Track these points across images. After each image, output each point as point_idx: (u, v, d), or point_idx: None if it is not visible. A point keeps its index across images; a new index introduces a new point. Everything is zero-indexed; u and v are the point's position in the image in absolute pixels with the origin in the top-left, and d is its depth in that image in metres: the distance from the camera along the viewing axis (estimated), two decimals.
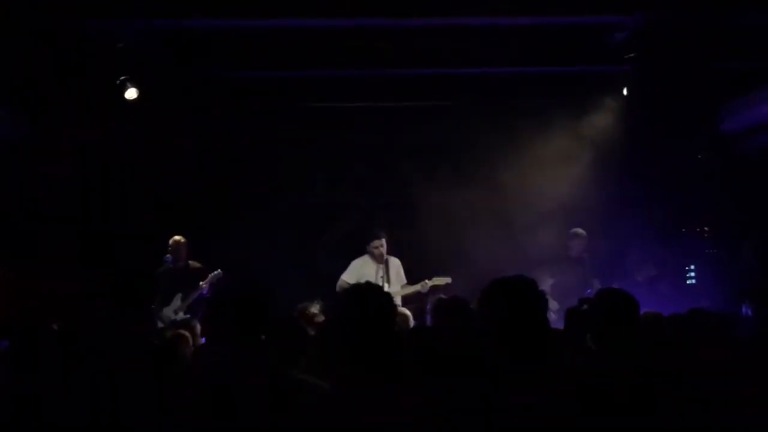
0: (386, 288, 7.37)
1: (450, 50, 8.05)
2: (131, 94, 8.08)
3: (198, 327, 5.54)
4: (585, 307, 3.81)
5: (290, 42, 7.93)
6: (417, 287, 7.66)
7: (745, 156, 8.61)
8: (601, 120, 8.66)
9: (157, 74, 8.36)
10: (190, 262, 7.82)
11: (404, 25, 7.47)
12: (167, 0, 6.79)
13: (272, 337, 3.75)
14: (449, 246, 8.73)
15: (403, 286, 7.69)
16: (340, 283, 7.70)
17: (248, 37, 7.87)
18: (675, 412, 2.80)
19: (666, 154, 8.55)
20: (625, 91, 8.34)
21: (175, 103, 8.77)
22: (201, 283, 7.63)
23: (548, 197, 8.33)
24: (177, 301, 7.66)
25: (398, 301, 7.64)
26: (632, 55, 7.69)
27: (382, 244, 7.69)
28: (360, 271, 7.71)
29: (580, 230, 8.08)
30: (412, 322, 7.28)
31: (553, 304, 7.60)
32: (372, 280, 7.37)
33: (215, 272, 7.67)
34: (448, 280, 7.61)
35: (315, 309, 5.46)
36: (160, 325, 7.47)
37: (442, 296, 5.20)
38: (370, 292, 2.63)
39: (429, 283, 7.63)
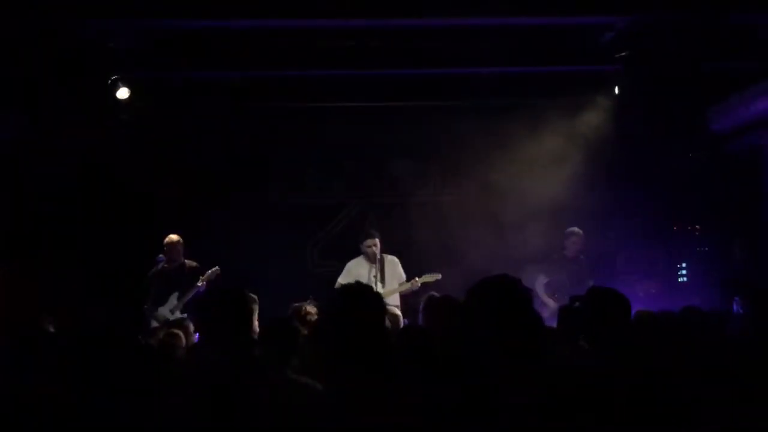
0: (379, 287, 7.37)
1: (441, 50, 8.05)
2: (123, 93, 8.06)
3: (191, 326, 5.53)
4: (577, 304, 3.81)
5: (283, 42, 7.93)
6: (407, 285, 7.65)
7: (735, 155, 8.66)
8: (593, 119, 8.68)
9: (151, 74, 8.36)
10: (187, 261, 7.75)
11: (396, 25, 7.48)
12: (163, 1, 6.77)
13: (265, 337, 3.76)
14: (441, 245, 8.75)
15: (392, 287, 7.65)
16: (336, 285, 7.68)
17: (241, 37, 7.86)
18: (668, 410, 2.81)
19: (657, 154, 8.59)
20: (616, 91, 8.37)
21: (169, 103, 8.76)
22: (200, 278, 7.53)
23: (540, 196, 8.34)
24: (173, 300, 7.60)
25: (395, 300, 7.63)
26: (623, 54, 7.72)
27: (375, 244, 7.67)
28: (354, 272, 7.69)
29: (576, 229, 8.08)
30: (402, 322, 7.29)
31: (549, 303, 7.64)
32: (365, 280, 7.36)
33: (213, 269, 7.60)
34: (437, 276, 7.59)
35: (309, 309, 5.45)
36: (155, 324, 7.45)
37: (434, 294, 5.19)
38: (358, 292, 2.63)
39: (419, 280, 7.62)
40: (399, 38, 7.85)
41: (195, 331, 5.34)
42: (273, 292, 7.03)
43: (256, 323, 6.08)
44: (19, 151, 7.85)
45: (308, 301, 5.69)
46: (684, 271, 9.03)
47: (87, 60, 7.47)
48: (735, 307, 6.03)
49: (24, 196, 8.01)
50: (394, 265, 7.77)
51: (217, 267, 7.61)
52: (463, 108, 8.98)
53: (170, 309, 7.57)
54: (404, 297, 7.77)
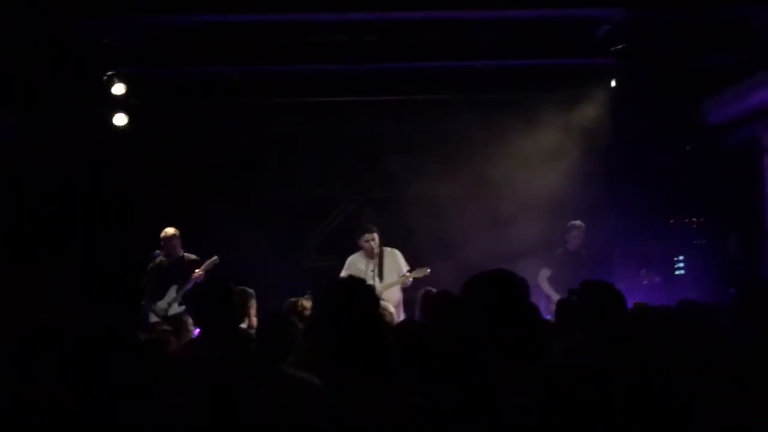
0: (376, 282, 7.35)
1: (437, 44, 8.05)
2: (119, 89, 8.03)
3: (190, 320, 5.52)
4: (575, 297, 3.81)
5: (278, 37, 7.91)
6: (400, 280, 7.63)
7: (731, 148, 8.66)
8: (589, 113, 8.67)
9: (147, 70, 8.34)
10: (186, 254, 7.73)
11: (391, 18, 7.45)
12: None
13: (262, 332, 3.76)
14: (438, 239, 8.74)
15: (385, 283, 7.62)
16: None
17: (235, 32, 7.84)
18: (666, 406, 2.81)
19: (653, 147, 8.58)
20: (612, 84, 8.36)
21: (164, 99, 8.74)
22: (197, 270, 7.51)
23: (536, 190, 8.34)
24: (172, 293, 7.57)
25: (396, 294, 7.61)
26: (619, 47, 7.71)
27: (373, 238, 7.65)
28: (352, 268, 7.68)
29: (578, 222, 8.10)
30: (395, 318, 7.27)
31: (554, 296, 7.64)
32: (362, 275, 7.34)
33: (211, 259, 7.57)
34: (426, 271, 7.56)
35: (305, 303, 5.45)
36: (154, 319, 7.44)
37: (431, 289, 5.18)
38: (350, 287, 2.61)
39: (410, 275, 7.60)
40: (394, 32, 7.84)
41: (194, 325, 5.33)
42: (270, 288, 7.04)
43: (254, 318, 6.08)
44: (17, 151, 7.82)
45: (306, 296, 5.69)
46: (681, 264, 9.04)
47: (84, 58, 7.44)
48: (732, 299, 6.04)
49: (22, 195, 7.98)
50: (394, 257, 7.73)
51: (215, 257, 7.59)
52: (459, 102, 8.95)
53: (168, 302, 7.55)
54: (404, 291, 7.75)
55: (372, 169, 9.63)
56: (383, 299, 6.80)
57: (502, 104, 8.78)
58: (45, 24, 6.74)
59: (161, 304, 7.56)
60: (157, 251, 7.74)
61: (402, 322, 5.08)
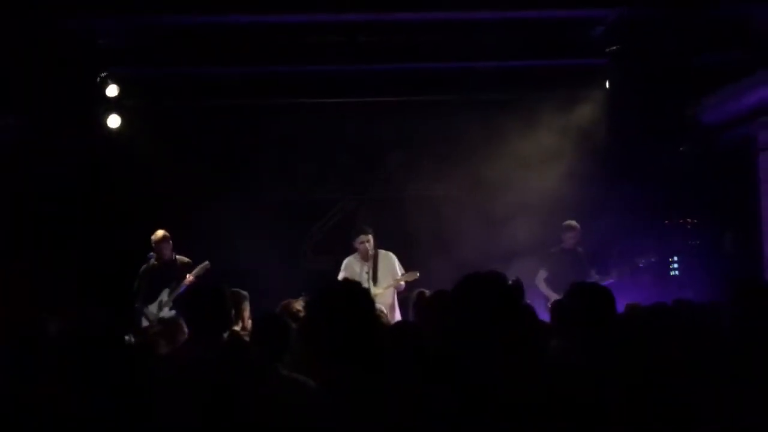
0: (370, 285, 7.33)
1: (434, 45, 8.06)
2: (112, 91, 8.02)
3: (184, 324, 5.49)
4: (568, 300, 3.80)
5: (275, 38, 7.91)
6: (392, 284, 7.60)
7: (726, 147, 8.66)
8: (585, 113, 8.69)
9: (142, 71, 8.33)
10: (178, 257, 7.70)
11: (389, 19, 7.46)
12: None
13: (257, 334, 3.74)
14: (435, 239, 8.74)
15: (378, 287, 7.60)
16: None
17: (232, 33, 7.84)
18: (663, 406, 2.80)
19: (649, 147, 8.59)
20: (607, 85, 8.36)
21: (160, 100, 8.73)
22: (188, 276, 7.48)
23: (532, 191, 8.36)
24: (163, 296, 7.53)
25: (390, 296, 7.59)
26: (613, 48, 7.72)
27: (368, 240, 7.62)
28: (348, 271, 7.66)
29: (573, 222, 8.14)
30: (392, 320, 7.25)
31: (552, 296, 7.64)
32: (357, 278, 7.32)
33: (202, 264, 7.54)
34: (415, 275, 7.50)
35: (299, 305, 5.42)
36: (145, 323, 7.40)
37: (424, 291, 5.16)
38: (345, 289, 2.60)
39: (398, 279, 7.58)
40: (391, 33, 7.85)
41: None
42: (266, 288, 7.01)
43: (249, 320, 6.06)
44: (13, 151, 7.80)
45: (299, 298, 5.66)
46: (676, 265, 9.05)
47: (78, 58, 7.43)
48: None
49: (17, 195, 7.96)
50: (388, 260, 7.71)
51: (207, 262, 7.56)
52: (456, 102, 8.98)
53: (159, 305, 7.51)
54: (400, 293, 7.74)
55: (370, 170, 9.63)
56: (377, 301, 6.76)
57: (499, 105, 8.80)
58: (39, 24, 6.73)
59: (152, 308, 7.52)
60: (152, 254, 7.71)
61: (397, 323, 5.07)
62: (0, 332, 3.71)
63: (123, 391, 2.79)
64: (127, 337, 4.64)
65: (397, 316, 7.45)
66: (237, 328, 5.33)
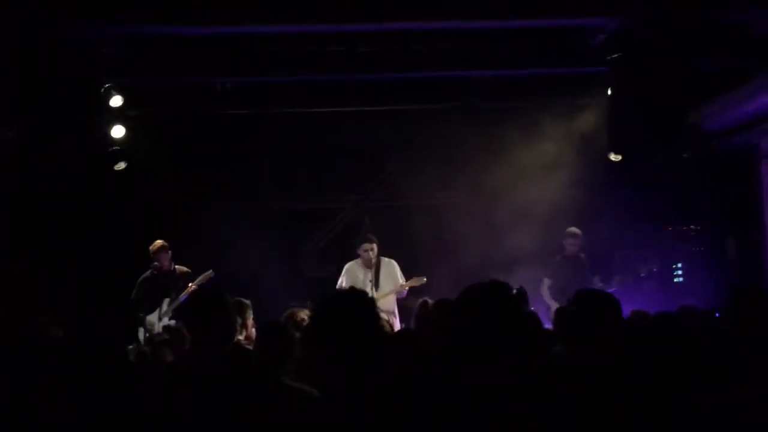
0: (372, 292, 7.32)
1: (434, 53, 8.08)
2: (116, 101, 8.05)
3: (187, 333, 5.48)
4: (574, 306, 3.80)
5: (277, 47, 7.94)
6: (395, 289, 7.60)
7: (728, 154, 8.67)
8: (587, 121, 8.70)
9: (144, 81, 8.35)
10: (177, 267, 7.69)
11: (387, 29, 7.48)
12: (151, 7, 6.77)
13: (260, 341, 3.74)
14: (436, 247, 8.74)
15: (381, 293, 7.59)
16: (336, 288, 7.64)
17: (233, 43, 7.87)
18: (666, 412, 2.80)
19: (651, 154, 8.59)
20: (609, 92, 8.38)
21: (161, 108, 8.75)
22: (190, 284, 7.45)
23: (534, 198, 8.36)
24: (164, 306, 7.51)
25: (390, 304, 7.58)
26: (615, 56, 7.73)
27: (372, 248, 7.63)
28: (350, 276, 7.66)
29: (575, 229, 8.15)
30: (396, 328, 7.24)
31: (554, 305, 7.64)
32: (360, 284, 7.33)
33: (206, 273, 7.51)
34: (423, 280, 7.52)
35: (304, 314, 5.41)
36: (143, 333, 7.36)
37: (428, 300, 5.15)
38: (351, 298, 2.60)
39: (405, 284, 7.57)
40: (392, 42, 7.86)
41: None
42: (269, 297, 7.01)
43: (252, 329, 6.05)
44: (18, 161, 7.82)
45: (305, 306, 5.65)
46: (680, 272, 9.04)
47: (82, 69, 7.46)
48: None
49: (23, 203, 7.98)
50: (390, 268, 7.72)
51: (210, 271, 7.54)
52: (457, 111, 8.99)
53: (159, 315, 7.47)
54: (400, 300, 7.74)
55: (371, 178, 9.65)
56: (380, 308, 6.76)
57: (501, 113, 8.81)
58: (43, 35, 6.75)
59: (152, 318, 7.49)
60: (156, 263, 7.69)
61: (398, 331, 5.06)
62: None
63: (122, 397, 2.79)
64: (131, 347, 4.65)
65: (397, 323, 7.44)
66: (241, 337, 5.32)
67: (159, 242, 7.64)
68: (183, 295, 7.47)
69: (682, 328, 3.71)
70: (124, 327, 7.30)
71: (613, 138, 8.44)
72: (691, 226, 9.07)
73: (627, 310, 4.56)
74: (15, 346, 3.22)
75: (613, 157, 8.35)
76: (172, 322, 7.23)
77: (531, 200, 8.33)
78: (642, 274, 8.15)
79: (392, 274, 7.70)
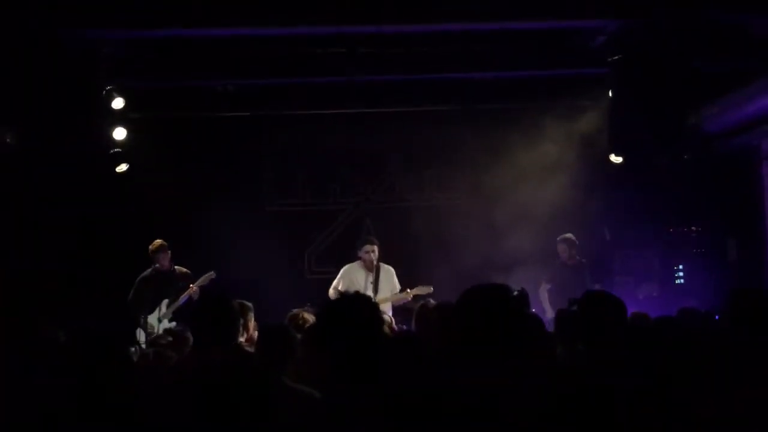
0: (373, 296, 7.33)
1: (435, 55, 8.09)
2: (118, 103, 8.06)
3: (191, 336, 5.47)
4: (574, 307, 3.81)
5: (277, 49, 7.95)
6: (400, 296, 7.58)
7: (729, 156, 8.67)
8: (587, 122, 8.70)
9: (144, 83, 8.37)
10: (177, 267, 7.65)
11: (388, 31, 7.49)
12: (152, 10, 6.79)
13: (262, 344, 3.75)
14: (437, 249, 8.75)
15: (385, 296, 7.59)
16: (330, 291, 7.64)
17: (234, 45, 7.88)
18: (667, 412, 2.80)
19: (651, 156, 8.60)
20: (609, 94, 8.39)
21: (162, 111, 8.77)
22: (191, 285, 7.40)
23: (535, 200, 8.36)
24: (163, 308, 7.45)
25: (387, 310, 7.58)
26: (615, 58, 7.74)
27: (373, 250, 7.64)
28: (349, 277, 7.66)
29: (566, 235, 8.15)
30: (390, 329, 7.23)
31: (549, 310, 7.64)
32: (361, 287, 7.34)
33: (208, 274, 7.48)
34: (429, 289, 7.44)
35: (306, 316, 5.42)
36: (141, 334, 7.32)
37: (428, 302, 5.16)
38: (357, 302, 2.61)
39: (411, 292, 7.55)
40: (392, 44, 7.87)
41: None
42: (270, 300, 7.00)
43: (254, 332, 6.05)
44: (19, 162, 7.84)
45: (306, 308, 5.66)
46: (681, 273, 9.04)
47: (83, 72, 7.47)
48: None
49: (22, 202, 7.99)
50: (389, 274, 7.73)
51: (212, 272, 7.52)
52: (457, 113, 9.01)
53: (158, 317, 7.41)
54: (397, 307, 7.72)
55: (372, 180, 9.66)
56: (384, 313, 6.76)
57: (501, 115, 8.83)
58: (44, 37, 6.76)
59: (151, 320, 7.43)
60: (157, 264, 7.67)
61: (398, 333, 5.06)
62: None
63: (124, 399, 2.80)
64: (133, 349, 4.65)
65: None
66: (242, 339, 5.33)
67: (158, 242, 7.60)
68: (183, 297, 7.44)
69: (681, 330, 3.72)
70: (123, 328, 7.29)
71: (613, 139, 8.44)
72: (692, 228, 9.07)
73: (628, 312, 4.57)
74: (16, 347, 3.23)
75: (613, 158, 8.38)
76: (173, 324, 7.20)
77: (531, 202, 8.33)
78: (640, 297, 8.15)
79: (390, 280, 7.72)
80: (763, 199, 8.51)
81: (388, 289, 7.67)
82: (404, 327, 7.33)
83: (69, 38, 7.03)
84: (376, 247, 7.66)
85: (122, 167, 8.20)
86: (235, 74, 8.30)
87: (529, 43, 7.95)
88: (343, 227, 9.61)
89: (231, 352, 3.18)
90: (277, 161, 9.54)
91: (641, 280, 8.57)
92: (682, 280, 9.01)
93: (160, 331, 7.01)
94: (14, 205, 7.92)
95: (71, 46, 7.15)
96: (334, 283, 7.70)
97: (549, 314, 7.55)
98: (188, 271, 7.62)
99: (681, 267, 9.05)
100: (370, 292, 7.25)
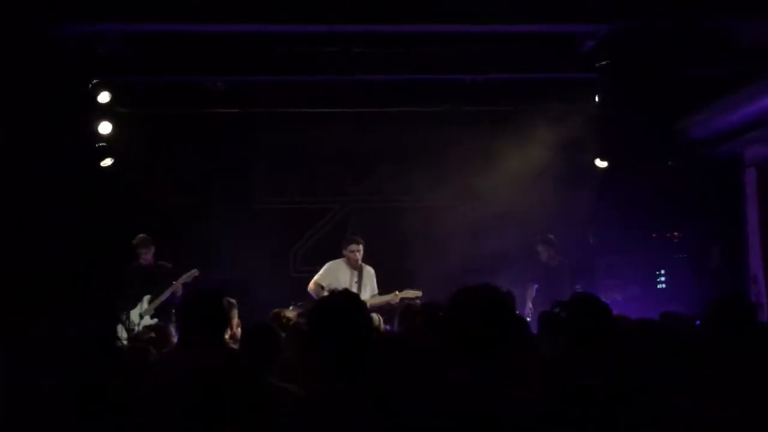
0: (361, 294, 7.34)
1: (425, 57, 8.11)
2: (104, 97, 8.01)
3: (173, 331, 5.46)
4: (557, 310, 3.84)
5: (266, 48, 7.94)
6: (388, 298, 7.59)
7: (714, 162, 8.75)
8: (574, 127, 8.74)
9: (132, 79, 8.33)
10: (160, 262, 7.57)
11: (381, 31, 7.51)
12: (144, 5, 6.77)
13: (246, 341, 3.75)
14: (425, 250, 8.77)
15: (373, 296, 7.61)
16: (311, 284, 7.62)
17: (223, 43, 7.87)
18: (648, 415, 2.83)
19: (637, 161, 8.66)
20: (597, 99, 8.45)
21: (150, 108, 8.74)
22: (174, 283, 7.34)
23: (522, 203, 8.40)
24: (144, 303, 7.37)
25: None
26: (603, 63, 7.80)
27: (359, 249, 7.64)
28: (334, 274, 7.66)
29: (544, 236, 8.20)
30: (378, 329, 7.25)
31: (529, 311, 7.68)
32: (346, 285, 7.35)
33: (191, 271, 7.41)
34: (418, 293, 7.46)
35: (288, 314, 5.44)
36: (122, 330, 7.25)
37: (413, 302, 5.18)
38: (347, 301, 2.62)
39: (399, 294, 7.56)
40: (383, 45, 7.90)
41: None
42: (255, 297, 7.02)
43: (237, 329, 6.06)
44: (6, 157, 7.78)
45: (290, 307, 5.68)
46: (663, 278, 9.11)
47: (70, 66, 7.43)
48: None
49: (8, 200, 7.93)
50: (371, 276, 7.74)
51: (195, 269, 7.45)
52: (447, 114, 9.03)
53: (140, 313, 7.32)
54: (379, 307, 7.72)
55: (360, 180, 9.68)
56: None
57: (490, 117, 8.87)
58: (32, 31, 6.72)
59: (133, 316, 7.34)
60: (141, 259, 7.61)
61: (384, 333, 5.08)
62: None
63: (111, 399, 2.79)
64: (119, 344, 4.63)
65: None
66: (226, 336, 5.33)
67: (142, 236, 7.50)
68: (166, 293, 7.37)
69: (662, 333, 3.76)
70: (105, 324, 7.24)
71: (599, 144, 8.51)
72: (675, 233, 9.14)
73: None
74: (12, 346, 3.22)
75: (599, 163, 8.44)
76: (155, 320, 7.14)
77: (519, 204, 8.38)
78: (618, 299, 8.21)
79: (371, 281, 7.73)
80: (745, 206, 8.59)
81: (369, 289, 7.68)
82: (387, 327, 7.35)
83: (57, 32, 6.99)
84: (361, 247, 7.66)
85: (107, 161, 8.15)
86: (226, 71, 8.28)
87: (519, 47, 7.99)
88: (330, 226, 9.62)
89: (219, 352, 3.18)
90: (266, 159, 9.54)
91: (623, 283, 8.63)
92: (663, 285, 9.08)
93: (141, 328, 6.97)
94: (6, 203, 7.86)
95: (59, 41, 7.11)
96: (316, 277, 7.66)
97: (526, 315, 7.62)
98: (171, 266, 7.52)
99: (663, 272, 9.12)
100: (357, 291, 7.26)
